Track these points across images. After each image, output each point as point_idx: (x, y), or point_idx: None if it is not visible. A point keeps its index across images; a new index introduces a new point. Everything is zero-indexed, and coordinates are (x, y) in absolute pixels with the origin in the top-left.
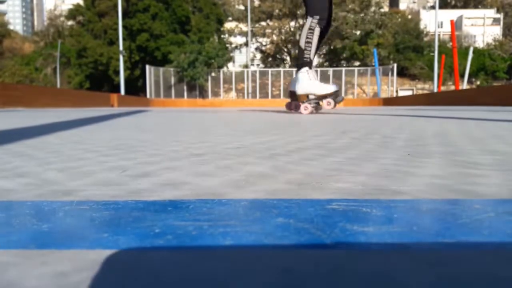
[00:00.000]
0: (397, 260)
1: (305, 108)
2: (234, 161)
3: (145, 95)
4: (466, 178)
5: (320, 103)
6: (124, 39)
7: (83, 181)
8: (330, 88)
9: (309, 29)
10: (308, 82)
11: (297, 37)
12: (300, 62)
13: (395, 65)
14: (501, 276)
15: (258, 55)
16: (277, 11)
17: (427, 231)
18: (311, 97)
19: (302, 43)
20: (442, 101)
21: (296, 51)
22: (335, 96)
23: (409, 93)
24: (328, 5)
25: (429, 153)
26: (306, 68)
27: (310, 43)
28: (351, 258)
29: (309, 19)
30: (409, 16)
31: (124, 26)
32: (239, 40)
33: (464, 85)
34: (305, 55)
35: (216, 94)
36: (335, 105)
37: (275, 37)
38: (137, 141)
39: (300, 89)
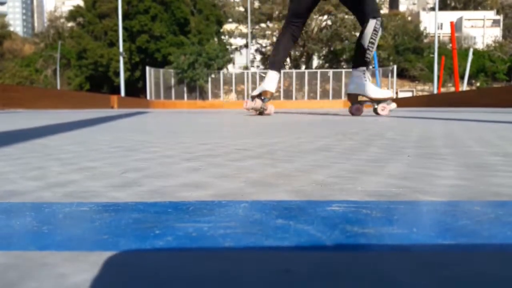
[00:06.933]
0: (398, 262)
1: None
2: (234, 165)
3: (145, 96)
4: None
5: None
6: (124, 40)
7: (85, 183)
8: (385, 93)
9: (374, 30)
10: (364, 83)
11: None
12: (359, 62)
13: (395, 66)
14: (501, 278)
15: (258, 57)
16: (277, 12)
17: (427, 233)
18: (363, 98)
19: (366, 43)
20: (442, 102)
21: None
22: (389, 102)
23: (409, 94)
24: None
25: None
26: (364, 68)
27: (374, 43)
28: (352, 260)
29: (373, 21)
30: (409, 18)
31: (124, 28)
32: (239, 41)
33: (464, 87)
34: (366, 55)
35: (216, 95)
36: (389, 111)
37: (275, 39)
38: (135, 143)
39: (354, 89)
